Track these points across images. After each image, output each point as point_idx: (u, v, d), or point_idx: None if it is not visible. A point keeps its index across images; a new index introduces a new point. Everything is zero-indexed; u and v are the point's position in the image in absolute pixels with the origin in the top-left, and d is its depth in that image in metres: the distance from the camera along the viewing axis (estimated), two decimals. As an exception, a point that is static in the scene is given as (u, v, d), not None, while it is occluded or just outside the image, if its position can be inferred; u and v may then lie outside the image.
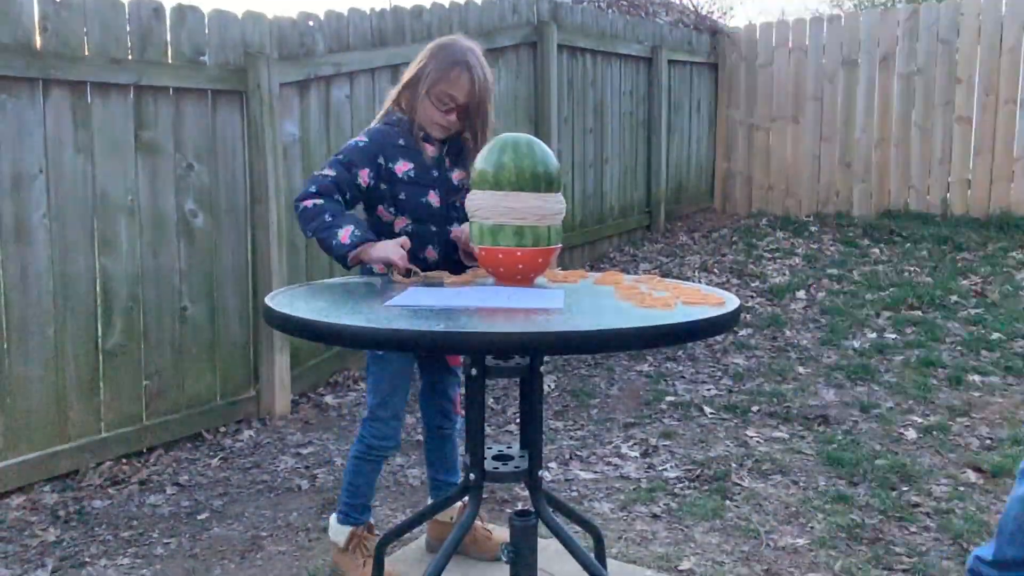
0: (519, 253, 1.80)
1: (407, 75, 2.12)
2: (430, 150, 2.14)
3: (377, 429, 2.20)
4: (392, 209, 2.12)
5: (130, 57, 3.13)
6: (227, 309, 3.57)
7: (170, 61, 3.27)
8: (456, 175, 2.17)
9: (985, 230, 6.40)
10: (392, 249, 1.93)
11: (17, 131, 2.83)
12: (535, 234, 1.80)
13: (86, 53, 2.99)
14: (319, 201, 1.99)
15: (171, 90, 3.28)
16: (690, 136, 7.51)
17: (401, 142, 2.10)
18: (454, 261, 2.15)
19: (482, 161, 1.84)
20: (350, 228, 1.95)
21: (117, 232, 3.14)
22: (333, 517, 2.32)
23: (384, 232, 2.10)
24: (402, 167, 2.09)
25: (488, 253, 1.82)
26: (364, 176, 2.07)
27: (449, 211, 2.15)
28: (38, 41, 2.87)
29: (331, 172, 2.04)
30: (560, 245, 1.87)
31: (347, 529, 2.27)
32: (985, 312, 4.85)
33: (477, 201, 1.83)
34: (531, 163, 1.80)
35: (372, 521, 2.33)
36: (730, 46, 7.67)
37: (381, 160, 2.08)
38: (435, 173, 2.13)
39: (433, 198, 2.12)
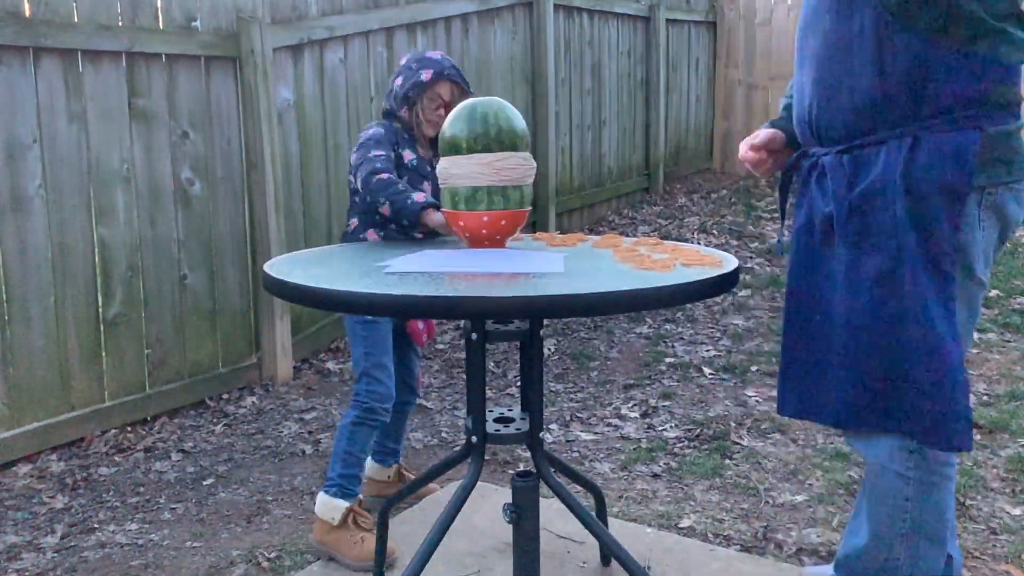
0: (500, 215, 1.80)
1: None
2: (422, 150, 2.32)
3: (376, 390, 2.21)
4: None
5: (121, 24, 3.09)
6: (226, 277, 3.57)
7: (162, 27, 3.23)
8: None
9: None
10: None
11: (9, 101, 2.81)
12: (518, 194, 1.83)
13: (76, 20, 2.96)
14: (393, 176, 2.13)
15: (164, 57, 3.24)
16: (688, 96, 7.45)
17: (406, 135, 2.28)
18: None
19: (453, 127, 1.83)
20: (423, 193, 2.10)
21: (114, 201, 3.13)
22: (322, 494, 2.21)
23: (371, 212, 2.20)
24: (408, 155, 2.26)
25: (469, 218, 1.82)
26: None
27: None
28: (27, 8, 2.83)
29: (380, 152, 2.17)
30: (530, 207, 1.91)
31: (344, 504, 2.18)
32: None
33: (453, 167, 1.82)
34: (506, 124, 1.81)
35: (362, 496, 2.27)
36: (728, 3, 7.56)
37: (396, 148, 2.25)
38: (429, 169, 2.30)
39: (427, 189, 2.27)
